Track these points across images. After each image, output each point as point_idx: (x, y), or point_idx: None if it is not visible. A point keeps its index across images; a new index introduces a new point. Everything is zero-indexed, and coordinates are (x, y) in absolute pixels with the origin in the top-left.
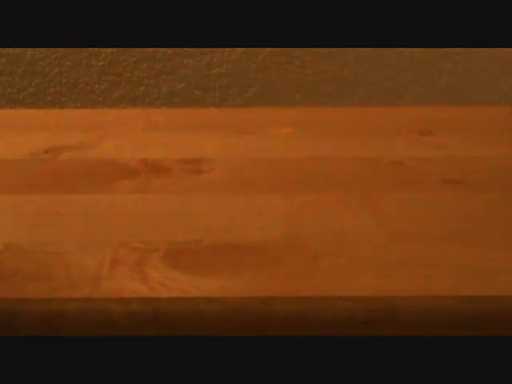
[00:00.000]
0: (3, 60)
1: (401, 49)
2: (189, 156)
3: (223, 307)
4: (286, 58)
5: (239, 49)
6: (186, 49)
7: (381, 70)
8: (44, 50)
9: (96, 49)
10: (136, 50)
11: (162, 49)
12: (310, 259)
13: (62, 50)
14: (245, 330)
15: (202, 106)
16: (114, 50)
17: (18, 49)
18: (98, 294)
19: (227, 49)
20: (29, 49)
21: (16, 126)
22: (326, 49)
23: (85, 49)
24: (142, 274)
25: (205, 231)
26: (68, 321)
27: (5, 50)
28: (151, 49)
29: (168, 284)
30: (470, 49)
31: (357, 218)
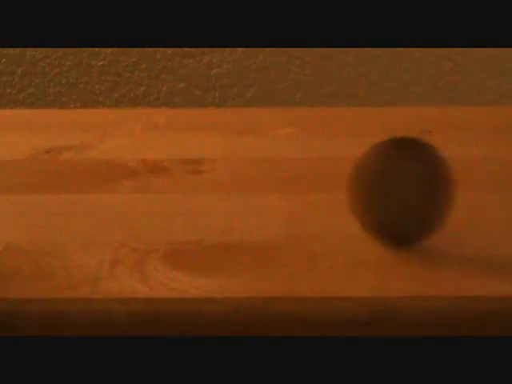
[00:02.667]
0: (3, 60)
1: (401, 49)
2: (189, 156)
3: (223, 307)
4: (286, 58)
5: (239, 49)
6: (186, 49)
7: (381, 70)
8: (44, 49)
9: (96, 49)
10: (136, 50)
11: (162, 49)
12: (309, 259)
13: (62, 49)
14: (245, 330)
15: (202, 106)
16: (114, 50)
17: (17, 49)
18: (98, 294)
19: (227, 49)
20: (29, 49)
21: (16, 126)
22: (325, 49)
23: (85, 49)
24: (142, 274)
25: (205, 231)
26: (68, 321)
27: (5, 50)
28: (151, 49)
29: (168, 284)
30: (470, 49)
31: None
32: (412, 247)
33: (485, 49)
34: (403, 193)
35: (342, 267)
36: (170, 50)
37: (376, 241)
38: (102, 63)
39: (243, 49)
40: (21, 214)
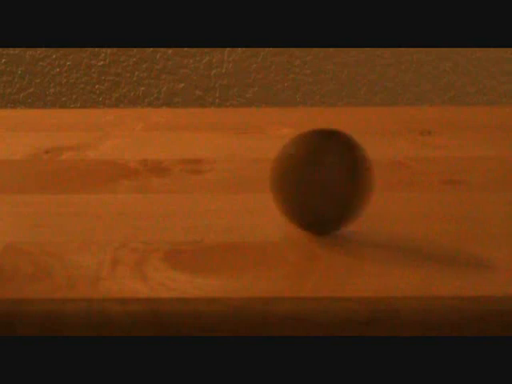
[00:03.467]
0: (3, 60)
1: (401, 49)
2: (189, 156)
3: (223, 307)
4: (286, 57)
5: (239, 49)
6: (185, 49)
7: (381, 70)
8: (44, 50)
9: (96, 49)
10: (136, 50)
11: (162, 49)
12: (309, 259)
13: (62, 50)
14: (245, 330)
15: (202, 106)
16: (114, 49)
17: (17, 49)
18: (98, 294)
19: (227, 49)
20: (29, 49)
21: (16, 126)
22: (325, 49)
23: (85, 49)
24: (142, 274)
25: (205, 231)
26: (68, 321)
27: (5, 50)
28: (151, 49)
29: (168, 284)
30: (470, 49)
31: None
32: (332, 233)
33: (485, 49)
34: (323, 181)
35: (342, 267)
36: (170, 50)
37: (299, 227)
38: (101, 63)
39: (243, 49)
40: (21, 214)
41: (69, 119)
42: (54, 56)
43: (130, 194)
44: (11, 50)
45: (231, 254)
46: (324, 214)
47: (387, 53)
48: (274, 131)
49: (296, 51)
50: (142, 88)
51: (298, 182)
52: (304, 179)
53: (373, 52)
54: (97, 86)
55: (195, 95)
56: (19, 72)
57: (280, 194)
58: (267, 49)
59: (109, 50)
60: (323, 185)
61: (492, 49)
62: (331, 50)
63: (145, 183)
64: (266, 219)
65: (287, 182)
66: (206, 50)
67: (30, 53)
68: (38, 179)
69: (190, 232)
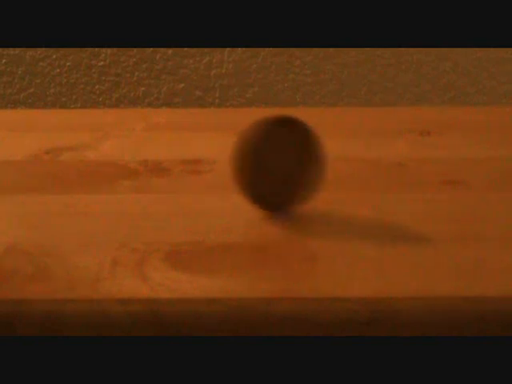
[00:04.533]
0: (3, 60)
1: (401, 49)
2: (189, 156)
3: (223, 308)
4: (286, 57)
5: (239, 49)
6: (185, 49)
7: (381, 70)
8: (44, 50)
9: (96, 49)
10: (136, 50)
11: (162, 49)
12: (310, 259)
13: (62, 50)
14: (245, 330)
15: (202, 106)
16: (114, 50)
17: (17, 49)
18: (98, 294)
19: (227, 49)
20: (29, 49)
21: (16, 127)
22: (325, 49)
23: (85, 49)
24: (142, 274)
25: (205, 231)
26: (68, 322)
27: (5, 50)
28: (151, 49)
29: (168, 285)
30: (470, 49)
31: (357, 218)
32: (285, 211)
33: (485, 49)
34: (276, 164)
35: (342, 267)
36: (170, 50)
37: (254, 206)
38: (102, 63)
39: (243, 49)
40: (21, 214)
41: (69, 119)
42: (54, 56)
43: (129, 194)
44: (11, 50)
45: (231, 254)
46: (265, 187)
47: (387, 53)
48: None
49: (296, 51)
50: (142, 88)
51: (245, 158)
52: (247, 154)
53: (373, 52)
54: (97, 87)
55: (195, 95)
56: (19, 72)
57: (236, 168)
58: (267, 49)
59: (109, 50)
60: (264, 161)
61: (492, 49)
62: (331, 50)
63: (145, 183)
64: (266, 219)
65: (239, 158)
66: (206, 50)
67: (30, 53)
68: (38, 180)
69: (190, 232)
